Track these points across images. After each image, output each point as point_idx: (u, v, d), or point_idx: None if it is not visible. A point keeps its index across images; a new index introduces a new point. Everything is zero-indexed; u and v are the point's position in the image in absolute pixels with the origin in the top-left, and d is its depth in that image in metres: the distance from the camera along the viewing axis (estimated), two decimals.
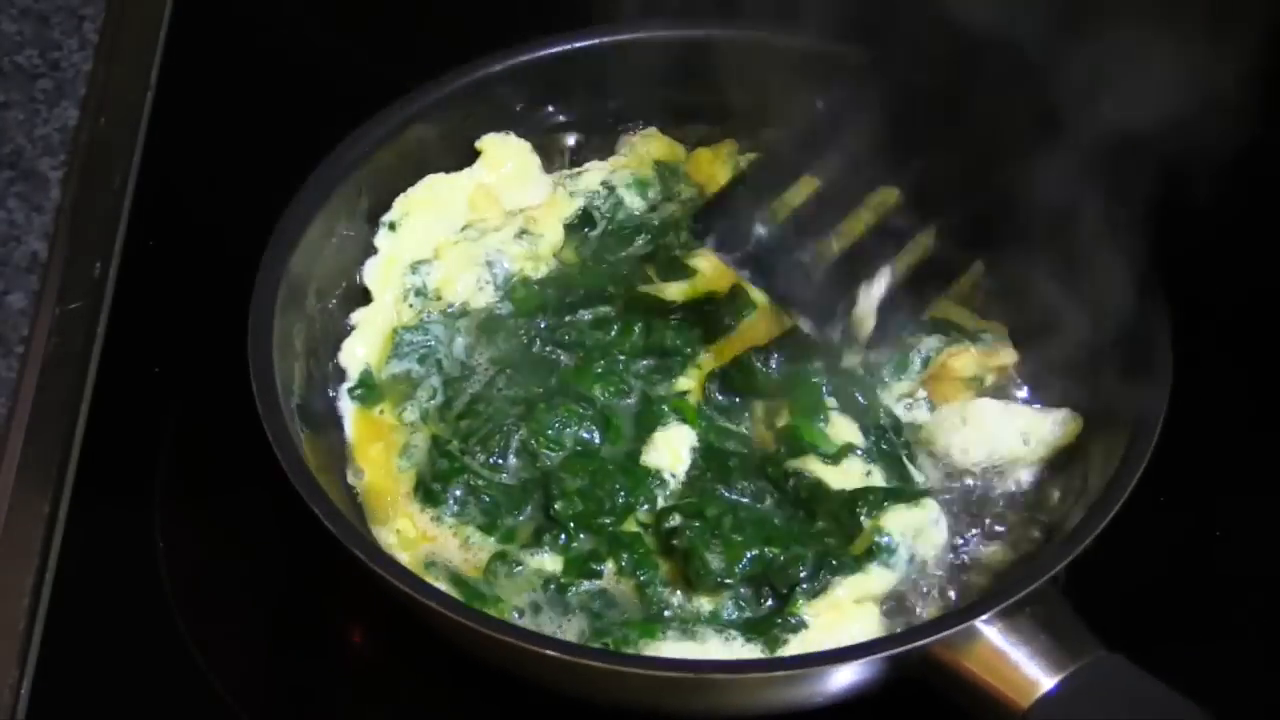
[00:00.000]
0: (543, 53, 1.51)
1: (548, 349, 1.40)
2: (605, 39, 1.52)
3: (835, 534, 1.28)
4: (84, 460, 1.41)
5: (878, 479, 1.31)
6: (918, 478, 1.32)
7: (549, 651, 1.16)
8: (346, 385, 1.40)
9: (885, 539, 1.26)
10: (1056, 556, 1.20)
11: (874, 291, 1.27)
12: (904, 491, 1.30)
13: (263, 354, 1.29)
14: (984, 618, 1.15)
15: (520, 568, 1.28)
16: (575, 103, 1.54)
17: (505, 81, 1.51)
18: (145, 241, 1.56)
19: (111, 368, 1.47)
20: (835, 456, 1.31)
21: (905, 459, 1.32)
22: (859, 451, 1.32)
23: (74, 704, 1.30)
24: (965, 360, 1.36)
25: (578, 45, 1.52)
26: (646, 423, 1.35)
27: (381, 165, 1.46)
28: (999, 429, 1.33)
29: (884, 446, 1.33)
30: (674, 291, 1.43)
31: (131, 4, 1.78)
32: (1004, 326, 1.40)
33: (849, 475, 1.31)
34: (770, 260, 1.28)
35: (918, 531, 1.27)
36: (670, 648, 1.23)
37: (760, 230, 1.27)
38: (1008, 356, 1.38)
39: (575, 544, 1.30)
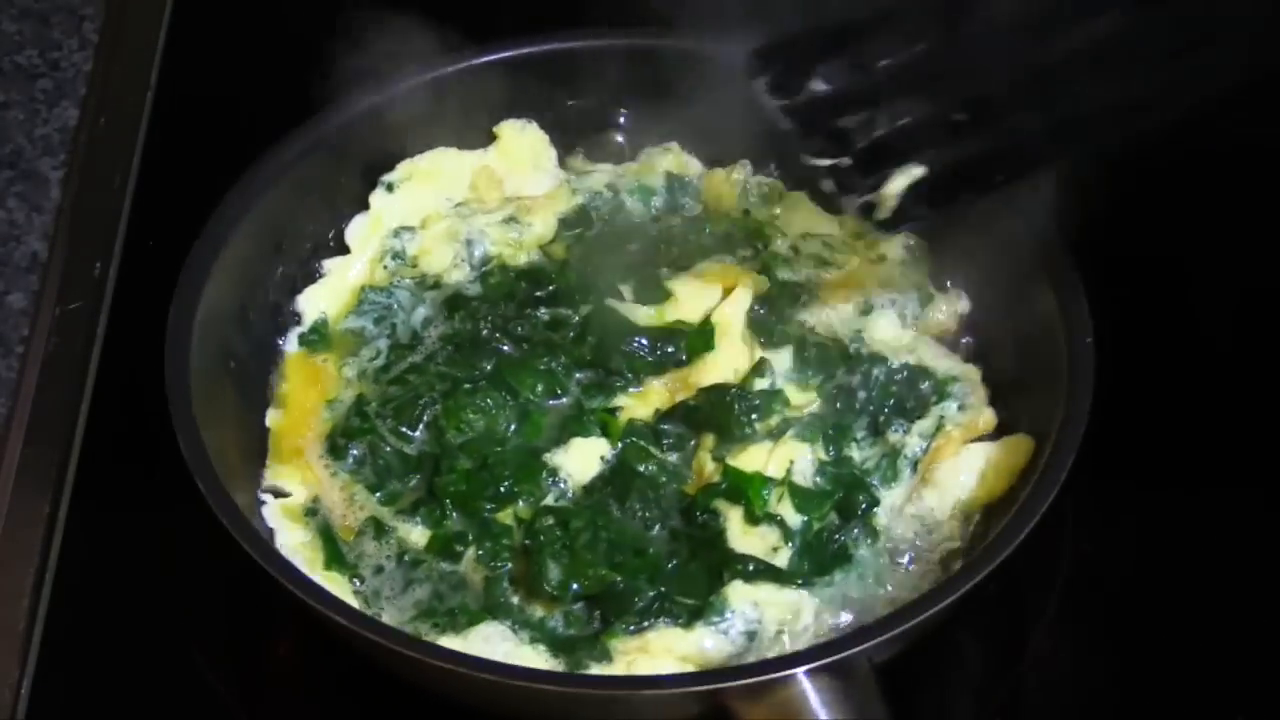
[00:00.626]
0: (575, 45, 1.52)
1: (496, 336, 1.41)
2: (639, 40, 1.52)
3: (697, 583, 1.27)
4: (84, 460, 1.41)
5: (783, 559, 1.29)
6: (837, 579, 1.28)
7: (340, 620, 1.17)
8: (299, 329, 1.43)
9: (718, 602, 1.24)
10: (868, 634, 1.17)
11: (909, 174, 1.22)
12: (780, 573, 1.27)
13: (191, 291, 1.32)
14: (779, 675, 1.13)
15: (389, 535, 1.30)
16: (604, 102, 1.55)
17: (530, 67, 1.51)
18: (145, 241, 1.56)
19: (111, 368, 1.47)
20: (758, 520, 1.30)
21: (843, 557, 1.29)
22: (784, 526, 1.30)
23: (74, 704, 1.30)
24: (952, 447, 1.34)
25: (613, 42, 1.52)
26: (573, 428, 1.36)
27: (387, 127, 1.48)
28: (961, 476, 1.32)
29: (823, 540, 1.30)
30: (642, 315, 1.42)
31: (131, 4, 1.78)
32: (978, 371, 1.38)
33: (756, 541, 1.29)
34: (815, 118, 1.23)
35: (779, 613, 1.25)
36: (482, 640, 1.23)
37: (819, 85, 1.22)
38: (986, 422, 1.35)
39: (447, 522, 1.31)
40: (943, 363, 1.38)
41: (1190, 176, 1.57)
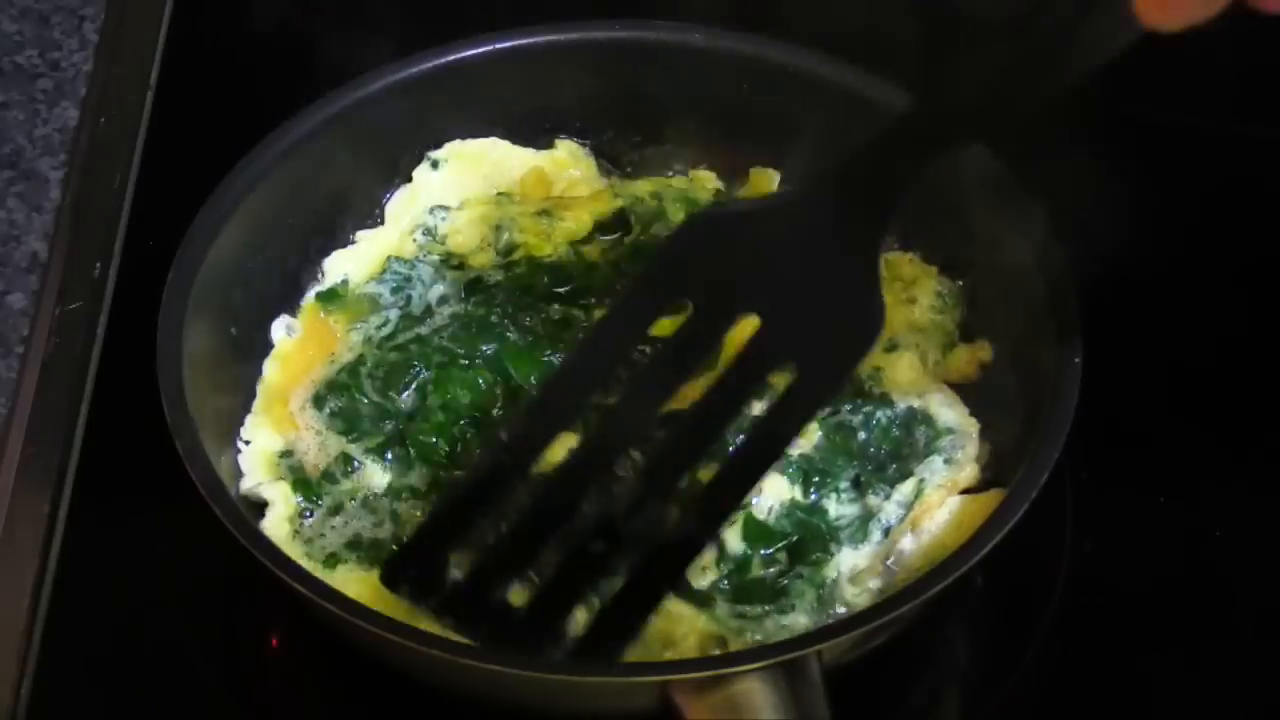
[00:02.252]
0: (657, 36, 1.50)
1: (505, 322, 1.41)
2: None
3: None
4: (84, 460, 1.41)
5: (707, 579, 1.26)
6: (765, 622, 1.25)
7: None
8: (318, 288, 1.45)
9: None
10: (821, 635, 1.17)
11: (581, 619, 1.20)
12: (693, 593, 1.25)
13: (198, 245, 1.35)
14: (730, 670, 1.12)
15: (356, 472, 1.32)
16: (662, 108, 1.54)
17: (595, 56, 1.51)
18: (145, 241, 1.56)
19: (111, 368, 1.47)
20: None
21: (778, 595, 1.27)
22: (722, 550, 1.28)
23: (74, 704, 1.30)
24: (929, 513, 1.30)
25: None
26: None
27: (414, 105, 1.49)
28: (934, 528, 1.30)
29: (763, 579, 1.28)
30: (666, 327, 1.41)
31: (131, 4, 1.77)
32: (976, 425, 1.35)
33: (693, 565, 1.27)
34: (468, 606, 1.19)
35: (673, 627, 1.24)
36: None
37: (455, 573, 1.20)
38: (967, 479, 1.32)
39: (411, 472, 1.32)
40: (946, 412, 1.35)
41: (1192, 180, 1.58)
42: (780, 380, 1.19)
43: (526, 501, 1.20)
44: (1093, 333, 1.28)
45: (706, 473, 1.19)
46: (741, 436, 1.21)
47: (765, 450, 1.19)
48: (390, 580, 1.20)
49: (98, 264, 1.54)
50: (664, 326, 1.38)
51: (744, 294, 1.17)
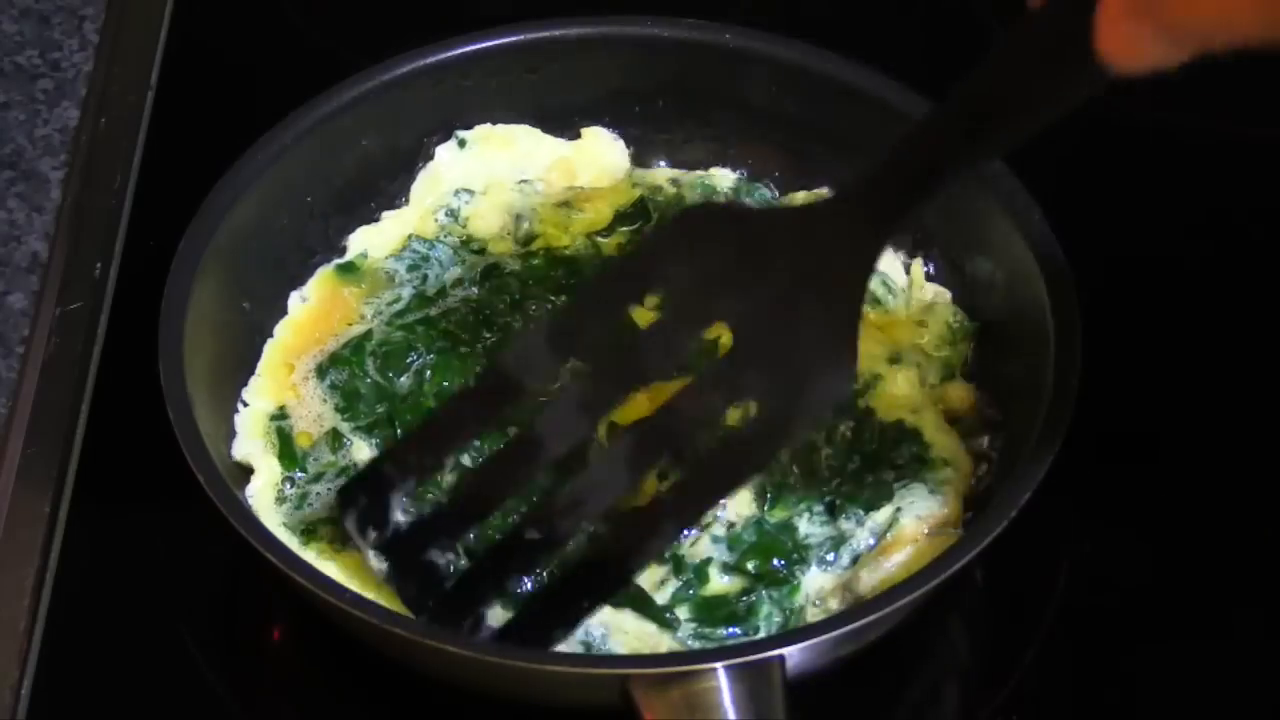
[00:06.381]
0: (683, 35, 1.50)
1: (513, 312, 1.41)
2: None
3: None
4: (84, 460, 1.41)
5: (665, 593, 1.25)
6: (721, 635, 1.24)
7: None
8: (337, 261, 1.46)
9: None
10: (780, 641, 1.16)
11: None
12: (650, 606, 1.24)
13: (210, 220, 1.35)
14: (696, 667, 1.11)
15: (344, 449, 1.33)
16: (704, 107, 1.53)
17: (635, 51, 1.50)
18: (145, 241, 1.56)
19: (111, 368, 1.47)
20: (664, 559, 1.27)
21: (739, 619, 1.24)
22: (678, 561, 1.26)
23: (74, 704, 1.30)
24: (901, 544, 1.27)
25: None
26: None
27: (470, 89, 1.49)
28: (892, 566, 1.27)
29: (727, 598, 1.25)
30: (646, 317, 1.42)
31: (131, 4, 1.77)
32: (970, 464, 1.32)
33: (649, 574, 1.26)
34: (402, 556, 1.20)
35: (630, 642, 1.22)
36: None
37: (399, 516, 1.21)
38: (949, 518, 1.28)
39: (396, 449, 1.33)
40: (941, 439, 1.33)
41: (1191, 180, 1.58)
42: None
43: (473, 473, 1.25)
44: (1093, 332, 1.28)
45: (652, 486, 1.21)
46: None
47: (717, 482, 1.16)
48: (344, 505, 1.22)
49: (98, 264, 1.54)
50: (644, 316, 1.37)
51: (720, 297, 1.15)
